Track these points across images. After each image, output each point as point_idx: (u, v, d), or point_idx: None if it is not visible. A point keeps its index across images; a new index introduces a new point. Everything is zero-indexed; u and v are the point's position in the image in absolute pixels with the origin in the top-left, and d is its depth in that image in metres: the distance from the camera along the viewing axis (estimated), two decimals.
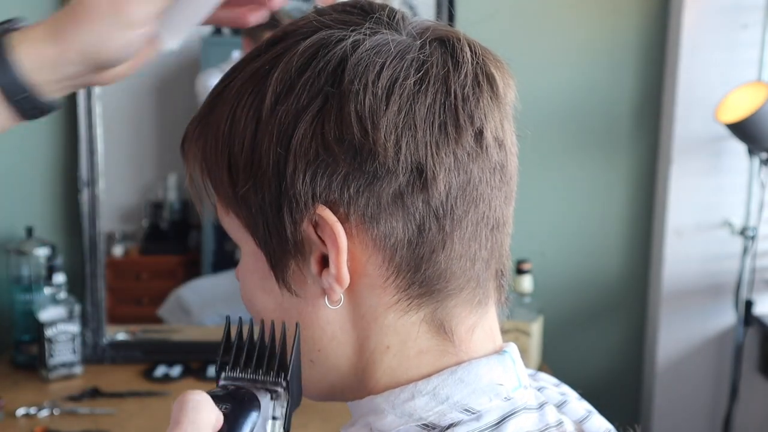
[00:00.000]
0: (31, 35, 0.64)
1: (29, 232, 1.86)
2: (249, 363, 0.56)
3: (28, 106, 0.65)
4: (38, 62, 0.64)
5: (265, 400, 0.55)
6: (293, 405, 0.56)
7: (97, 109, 1.86)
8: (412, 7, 1.87)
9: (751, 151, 1.79)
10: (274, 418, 0.55)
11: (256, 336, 0.56)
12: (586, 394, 0.71)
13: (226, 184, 0.58)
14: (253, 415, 0.54)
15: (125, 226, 2.03)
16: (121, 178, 2.00)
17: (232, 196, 0.58)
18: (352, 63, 0.54)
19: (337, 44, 0.55)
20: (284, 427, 0.56)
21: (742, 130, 1.72)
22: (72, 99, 1.87)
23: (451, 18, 1.86)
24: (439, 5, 1.87)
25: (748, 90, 1.74)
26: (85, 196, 1.88)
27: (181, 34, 0.67)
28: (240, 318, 0.57)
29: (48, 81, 0.65)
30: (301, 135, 0.54)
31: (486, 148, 0.57)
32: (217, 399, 0.53)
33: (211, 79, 1.92)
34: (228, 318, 0.57)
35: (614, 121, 1.98)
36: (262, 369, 0.56)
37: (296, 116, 0.54)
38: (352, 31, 0.56)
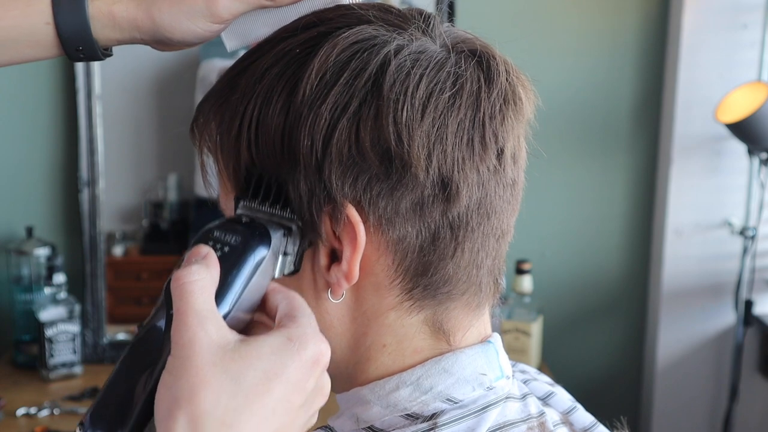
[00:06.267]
0: None
1: (29, 232, 1.86)
2: (267, 196, 0.56)
3: (79, 55, 0.66)
4: (109, 22, 0.64)
5: (277, 235, 0.55)
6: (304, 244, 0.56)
7: (97, 109, 1.86)
8: (412, 6, 1.87)
9: (751, 151, 1.79)
10: (285, 253, 0.56)
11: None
12: (586, 394, 0.71)
13: (243, 164, 0.57)
14: (261, 250, 0.54)
15: (125, 226, 2.03)
16: (121, 178, 2.00)
17: (246, 176, 0.58)
18: (392, 69, 0.54)
19: (381, 47, 0.55)
20: (294, 264, 0.56)
21: (742, 130, 1.72)
22: (72, 99, 1.87)
23: (451, 17, 1.86)
24: (439, 4, 1.86)
25: (748, 90, 1.74)
26: (85, 196, 1.88)
27: (240, 42, 0.67)
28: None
29: (108, 39, 0.65)
30: (337, 136, 0.54)
31: (504, 166, 0.58)
32: (227, 230, 0.53)
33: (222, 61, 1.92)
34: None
35: (614, 121, 1.98)
36: (279, 204, 0.56)
37: (335, 116, 0.54)
38: (398, 33, 0.56)
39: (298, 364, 0.49)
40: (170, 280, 0.50)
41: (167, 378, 0.47)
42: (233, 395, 0.46)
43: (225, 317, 0.51)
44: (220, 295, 0.51)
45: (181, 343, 0.48)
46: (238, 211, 0.57)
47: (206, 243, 0.53)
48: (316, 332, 0.51)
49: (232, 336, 0.49)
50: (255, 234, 0.54)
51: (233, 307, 0.52)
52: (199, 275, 0.49)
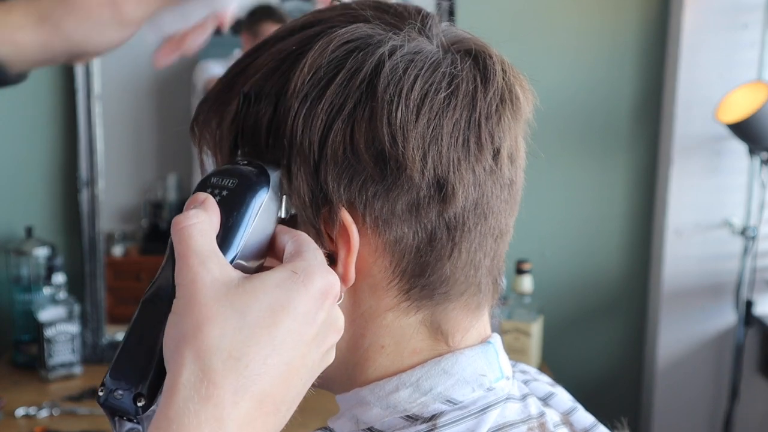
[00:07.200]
0: (10, 20, 0.63)
1: (29, 232, 1.86)
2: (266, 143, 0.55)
3: None
4: (14, 50, 0.63)
5: (275, 173, 0.55)
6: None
7: (97, 109, 1.86)
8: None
9: (751, 151, 1.79)
10: (289, 193, 0.55)
11: None
12: (586, 394, 0.71)
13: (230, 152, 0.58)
14: (260, 190, 0.53)
15: (125, 226, 2.02)
16: (121, 178, 1.99)
17: None
18: (386, 71, 0.54)
19: (376, 47, 0.55)
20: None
21: (742, 130, 1.72)
22: (72, 99, 1.87)
23: (451, 16, 1.86)
24: (439, 3, 1.86)
25: (748, 90, 1.74)
26: (85, 196, 1.88)
27: (158, 35, 0.68)
28: None
29: (23, 63, 0.64)
30: (332, 137, 0.54)
31: (500, 166, 0.58)
32: (224, 174, 0.53)
33: (212, 68, 1.91)
34: None
35: (614, 121, 1.98)
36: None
37: (331, 117, 0.54)
38: (394, 33, 0.56)
39: (304, 297, 0.49)
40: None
41: (173, 318, 0.48)
42: (239, 329, 0.46)
43: (232, 262, 0.50)
44: (224, 240, 0.50)
45: (184, 283, 0.48)
46: (237, 159, 0.56)
47: (204, 190, 0.53)
48: (323, 264, 0.51)
49: (236, 274, 0.49)
50: (252, 174, 0.53)
51: (239, 250, 0.51)
52: (197, 218, 0.49)
